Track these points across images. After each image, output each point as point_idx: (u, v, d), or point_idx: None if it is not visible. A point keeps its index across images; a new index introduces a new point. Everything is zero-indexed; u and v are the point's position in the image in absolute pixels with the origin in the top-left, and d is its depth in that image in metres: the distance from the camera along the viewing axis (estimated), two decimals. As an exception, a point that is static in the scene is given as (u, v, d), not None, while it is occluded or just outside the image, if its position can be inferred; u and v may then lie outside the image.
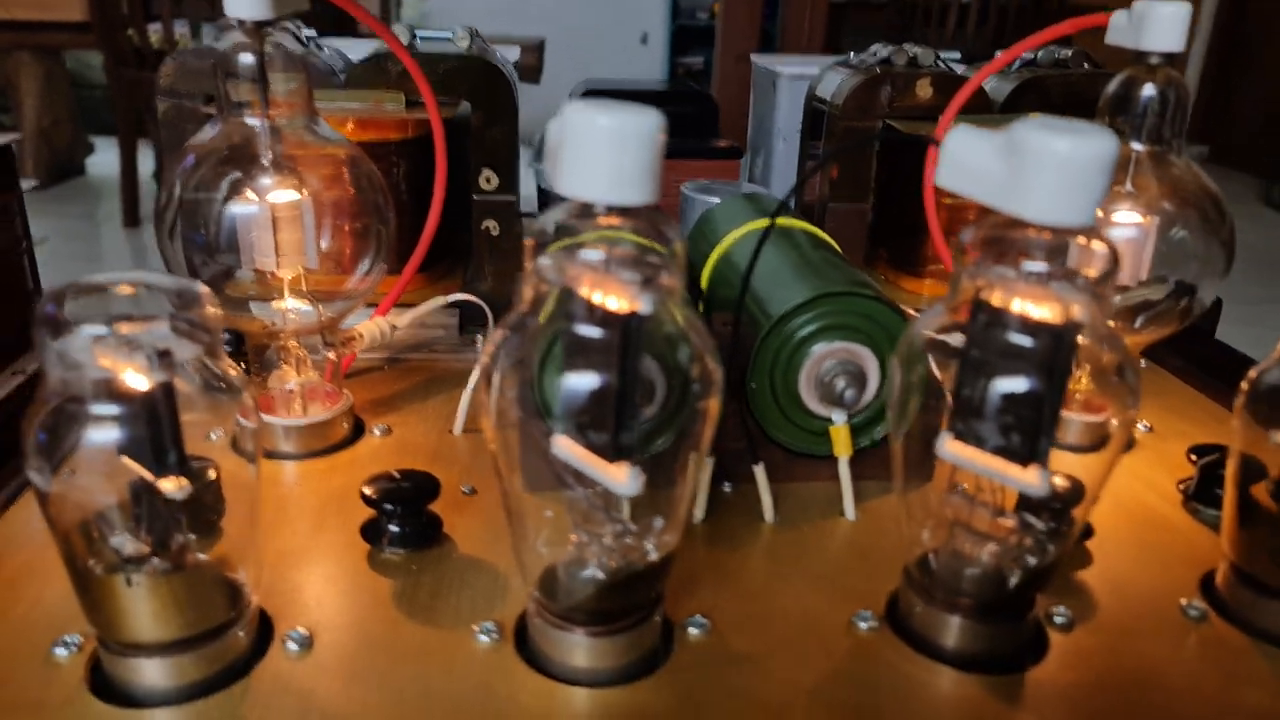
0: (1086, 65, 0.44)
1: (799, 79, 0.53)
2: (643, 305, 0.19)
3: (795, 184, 0.52)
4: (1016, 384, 0.21)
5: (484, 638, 0.24)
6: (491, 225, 0.42)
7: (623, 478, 0.20)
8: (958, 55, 0.52)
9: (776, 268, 0.32)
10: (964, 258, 0.21)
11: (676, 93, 0.58)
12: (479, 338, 0.41)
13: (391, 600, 0.25)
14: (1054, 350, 0.20)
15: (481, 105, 0.40)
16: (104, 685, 0.21)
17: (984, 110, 0.43)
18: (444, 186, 0.36)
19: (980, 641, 0.23)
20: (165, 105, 0.39)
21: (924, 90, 0.41)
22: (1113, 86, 0.33)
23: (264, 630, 0.23)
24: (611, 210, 0.19)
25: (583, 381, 0.20)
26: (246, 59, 0.28)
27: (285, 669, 0.22)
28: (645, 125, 0.19)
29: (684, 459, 0.22)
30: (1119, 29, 0.32)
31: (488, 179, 0.41)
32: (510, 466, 0.22)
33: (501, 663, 0.23)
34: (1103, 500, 0.23)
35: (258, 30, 0.28)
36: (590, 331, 0.20)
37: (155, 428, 0.20)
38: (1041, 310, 0.20)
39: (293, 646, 0.23)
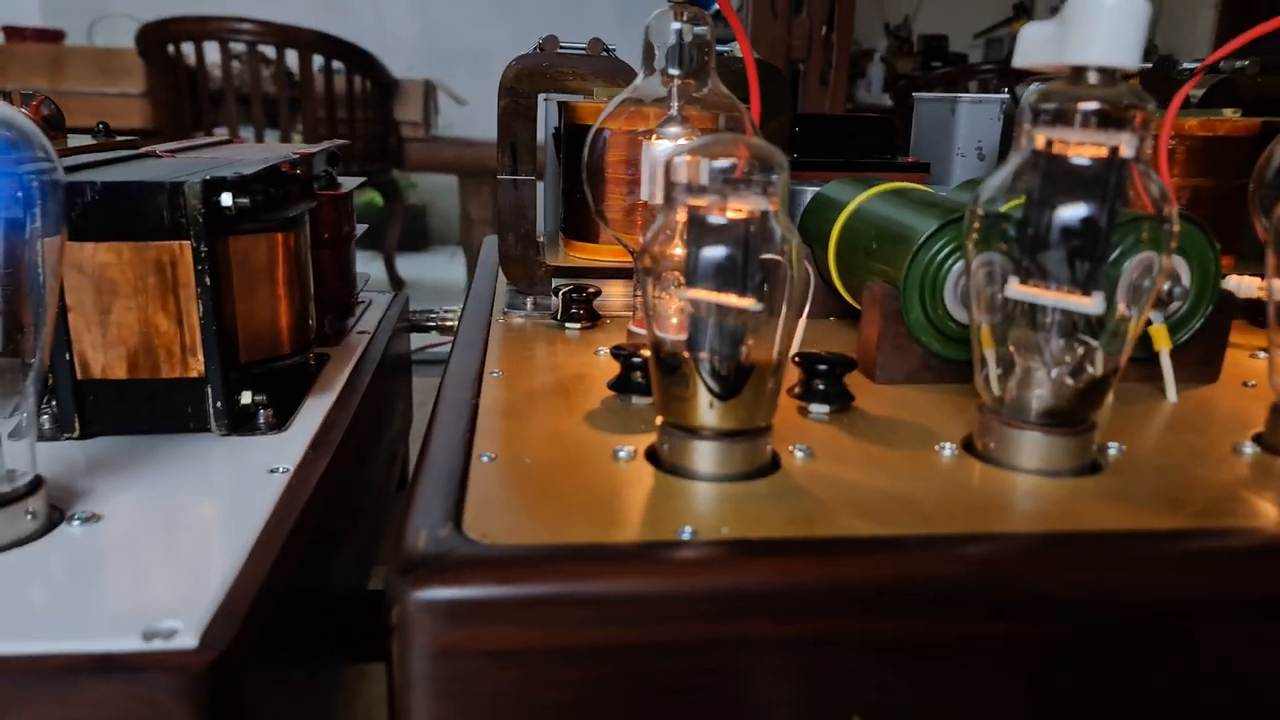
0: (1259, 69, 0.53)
1: (977, 103, 0.62)
2: (1126, 149, 0.26)
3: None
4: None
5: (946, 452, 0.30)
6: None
7: (1092, 302, 0.27)
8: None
9: None
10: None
11: (861, 118, 0.66)
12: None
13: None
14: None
15: (766, 101, 0.48)
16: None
17: (1185, 105, 0.51)
18: None
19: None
20: (505, 101, 0.46)
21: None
22: None
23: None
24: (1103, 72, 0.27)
25: (1070, 215, 0.27)
26: (671, 41, 0.36)
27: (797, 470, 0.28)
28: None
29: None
30: None
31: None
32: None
33: (964, 466, 0.29)
34: None
35: (685, 6, 0.36)
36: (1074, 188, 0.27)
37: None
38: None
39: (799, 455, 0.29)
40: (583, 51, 0.47)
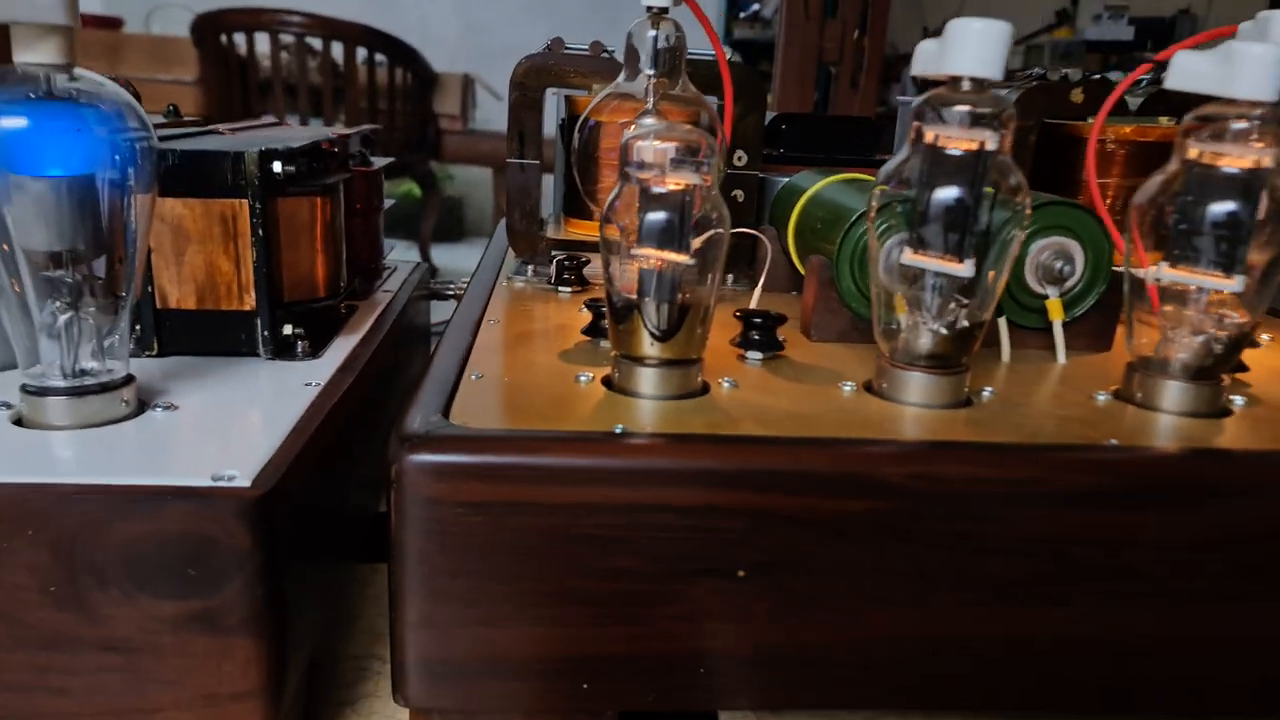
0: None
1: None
2: (989, 143, 0.34)
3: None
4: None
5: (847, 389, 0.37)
6: (738, 194, 0.56)
7: (964, 267, 0.34)
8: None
9: None
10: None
11: (844, 118, 0.73)
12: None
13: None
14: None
15: (742, 99, 0.55)
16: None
17: (1124, 112, 0.57)
18: (723, 155, 0.51)
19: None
20: (514, 94, 0.54)
21: (1078, 96, 0.56)
22: None
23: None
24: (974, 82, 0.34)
25: (946, 196, 0.34)
26: (649, 46, 0.44)
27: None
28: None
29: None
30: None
31: (739, 157, 0.56)
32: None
33: (858, 399, 0.36)
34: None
35: (661, 16, 0.43)
36: (951, 173, 0.34)
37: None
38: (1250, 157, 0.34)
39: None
40: (585, 53, 0.55)
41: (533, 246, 0.56)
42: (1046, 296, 0.43)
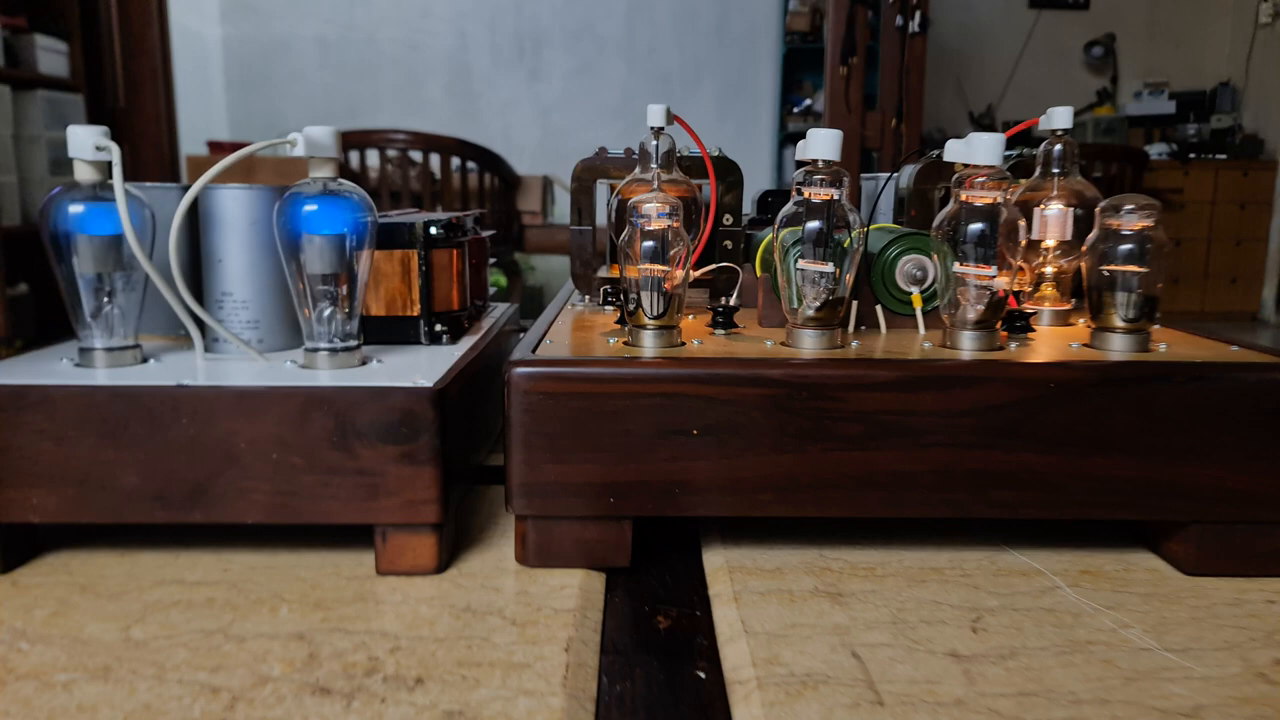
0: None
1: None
2: (835, 195, 0.59)
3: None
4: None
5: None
6: (727, 243, 0.83)
7: (828, 267, 0.60)
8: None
9: (888, 231, 0.71)
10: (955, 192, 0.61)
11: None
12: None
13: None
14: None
15: (722, 182, 0.82)
16: (632, 349, 0.61)
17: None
18: (712, 220, 0.77)
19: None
20: (574, 184, 0.82)
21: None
22: (1042, 149, 0.72)
23: (683, 342, 0.63)
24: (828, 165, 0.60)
25: (812, 229, 0.60)
26: (652, 152, 0.71)
27: (697, 348, 0.61)
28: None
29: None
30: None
31: (727, 218, 0.83)
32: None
33: (775, 349, 0.61)
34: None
35: (658, 132, 0.71)
36: (817, 214, 0.60)
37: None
38: (983, 198, 0.59)
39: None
40: (620, 156, 0.83)
41: (588, 284, 0.83)
42: (911, 292, 0.68)
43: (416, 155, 2.72)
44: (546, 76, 4.42)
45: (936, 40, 3.90)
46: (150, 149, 2.86)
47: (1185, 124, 4.17)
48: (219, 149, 3.11)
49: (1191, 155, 4.00)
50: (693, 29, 4.37)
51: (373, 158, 2.71)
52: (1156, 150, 4.04)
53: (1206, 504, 0.56)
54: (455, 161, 2.69)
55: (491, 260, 0.88)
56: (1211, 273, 4.00)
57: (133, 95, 2.88)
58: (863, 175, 1.00)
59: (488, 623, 0.52)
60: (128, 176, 0.58)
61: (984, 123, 4.36)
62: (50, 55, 2.53)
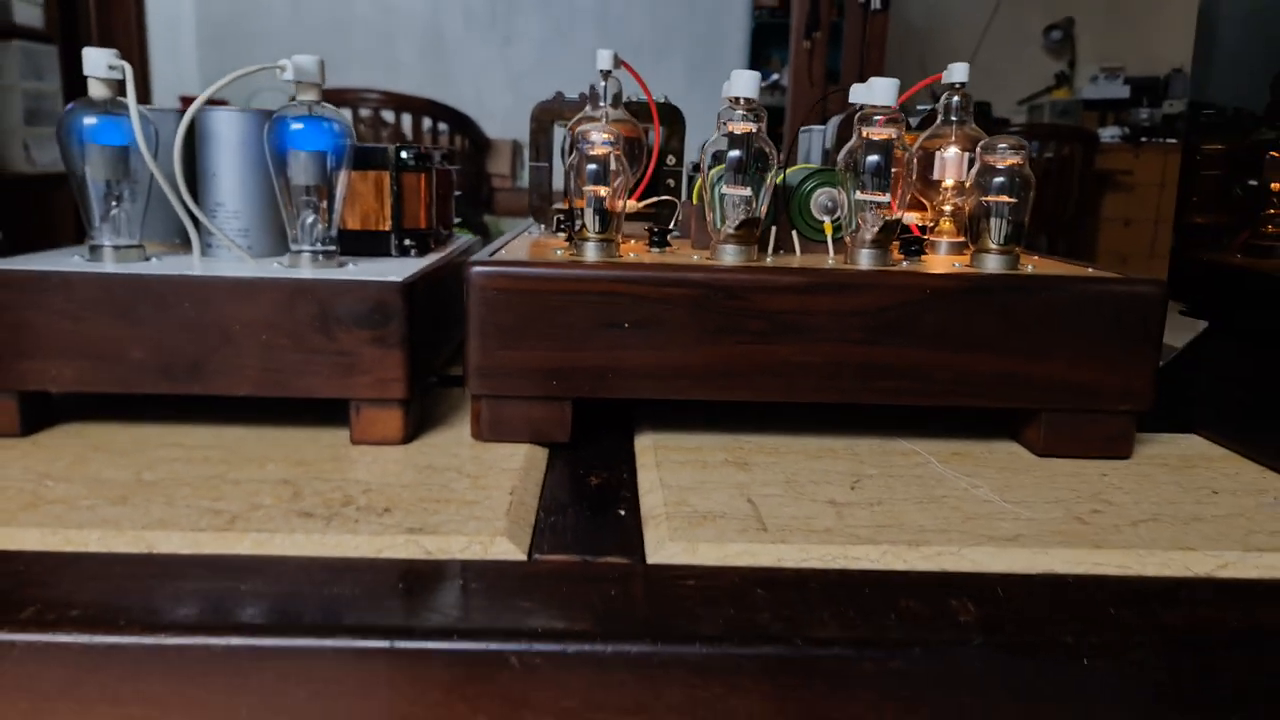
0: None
1: (819, 131, 1.04)
2: (753, 128, 0.69)
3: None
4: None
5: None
6: (670, 181, 0.92)
7: (746, 191, 0.70)
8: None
9: (802, 170, 0.81)
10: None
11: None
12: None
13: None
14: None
15: (666, 125, 0.91)
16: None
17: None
18: (655, 159, 0.87)
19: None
20: (533, 125, 0.91)
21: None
22: (942, 100, 0.82)
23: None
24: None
25: (733, 157, 0.70)
26: (601, 92, 0.80)
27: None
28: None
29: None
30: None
31: (670, 159, 0.92)
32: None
33: (703, 261, 0.71)
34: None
35: (606, 74, 0.80)
36: (738, 144, 0.69)
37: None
38: (879, 134, 0.69)
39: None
40: (575, 100, 0.92)
41: (544, 216, 0.92)
42: (823, 221, 0.78)
43: (389, 116, 2.78)
44: (518, 42, 4.48)
45: (902, 19, 4.00)
46: (123, 101, 2.89)
47: (1138, 108, 4.32)
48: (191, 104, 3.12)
49: (1143, 139, 4.15)
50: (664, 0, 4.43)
51: (345, 117, 2.75)
52: (1109, 133, 4.18)
53: (1054, 395, 0.67)
54: (427, 123, 2.76)
55: (457, 220, 0.97)
56: (1157, 253, 4.17)
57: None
58: (801, 129, 1.10)
59: (445, 476, 0.62)
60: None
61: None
62: (25, 6, 2.56)
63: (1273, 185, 0.88)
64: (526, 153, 1.06)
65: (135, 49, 2.90)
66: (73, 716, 0.41)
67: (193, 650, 0.42)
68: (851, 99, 0.71)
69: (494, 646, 0.42)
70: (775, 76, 4.28)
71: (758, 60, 4.37)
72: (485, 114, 4.06)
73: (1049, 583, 0.50)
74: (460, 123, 2.83)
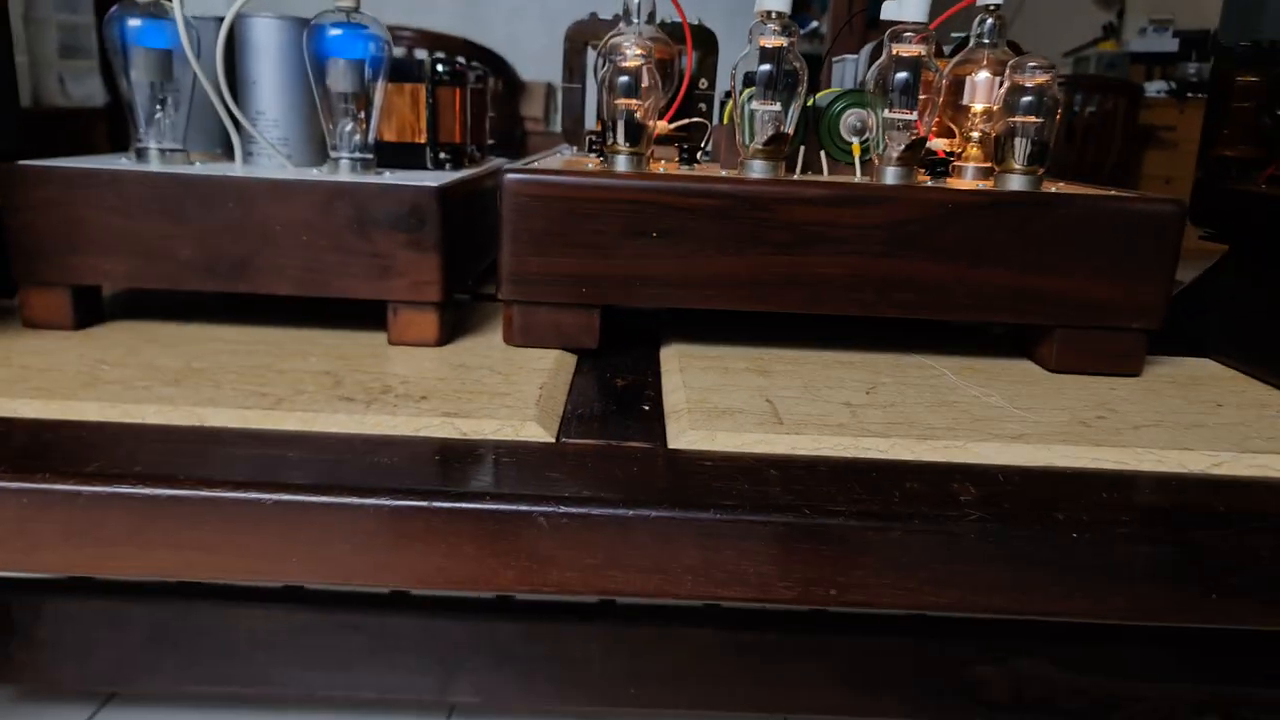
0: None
1: (852, 61, 1.05)
2: (785, 42, 0.70)
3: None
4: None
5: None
6: (702, 105, 0.94)
7: (776, 106, 0.71)
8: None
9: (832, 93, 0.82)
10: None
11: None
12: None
13: (688, 173, 0.75)
14: (920, 64, 0.70)
15: (700, 48, 0.92)
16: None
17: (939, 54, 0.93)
18: (688, 80, 0.88)
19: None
20: (567, 44, 0.92)
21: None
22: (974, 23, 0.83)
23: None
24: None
25: (764, 71, 0.71)
26: (634, 8, 0.81)
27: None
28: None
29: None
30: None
31: (702, 82, 0.94)
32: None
33: (731, 175, 0.73)
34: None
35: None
36: (769, 58, 0.71)
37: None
38: (909, 51, 0.70)
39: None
40: (608, 20, 0.93)
41: (578, 138, 0.94)
42: (852, 143, 0.79)
43: (421, 54, 2.78)
44: (554, -17, 4.44)
45: (944, -35, 3.92)
46: (160, 36, 2.91)
47: (1186, 63, 4.22)
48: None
49: (1188, 95, 4.06)
50: (702, -57, 4.37)
51: (381, 24, 2.75)
52: (1155, 87, 4.09)
53: (1069, 311, 0.69)
54: (460, 62, 2.75)
55: (491, 143, 1.00)
56: (1198, 211, 4.10)
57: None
58: (834, 59, 1.11)
59: (479, 373, 0.65)
60: None
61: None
62: (62, -65, 2.58)
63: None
64: (560, 76, 1.07)
65: (171, -17, 2.92)
66: (135, 558, 0.45)
67: (246, 504, 0.45)
68: (884, 15, 0.72)
69: (523, 508, 0.45)
70: (814, 24, 4.22)
71: (799, 7, 4.30)
72: (519, 55, 4.04)
73: (1048, 473, 0.52)
74: (494, 63, 2.83)
